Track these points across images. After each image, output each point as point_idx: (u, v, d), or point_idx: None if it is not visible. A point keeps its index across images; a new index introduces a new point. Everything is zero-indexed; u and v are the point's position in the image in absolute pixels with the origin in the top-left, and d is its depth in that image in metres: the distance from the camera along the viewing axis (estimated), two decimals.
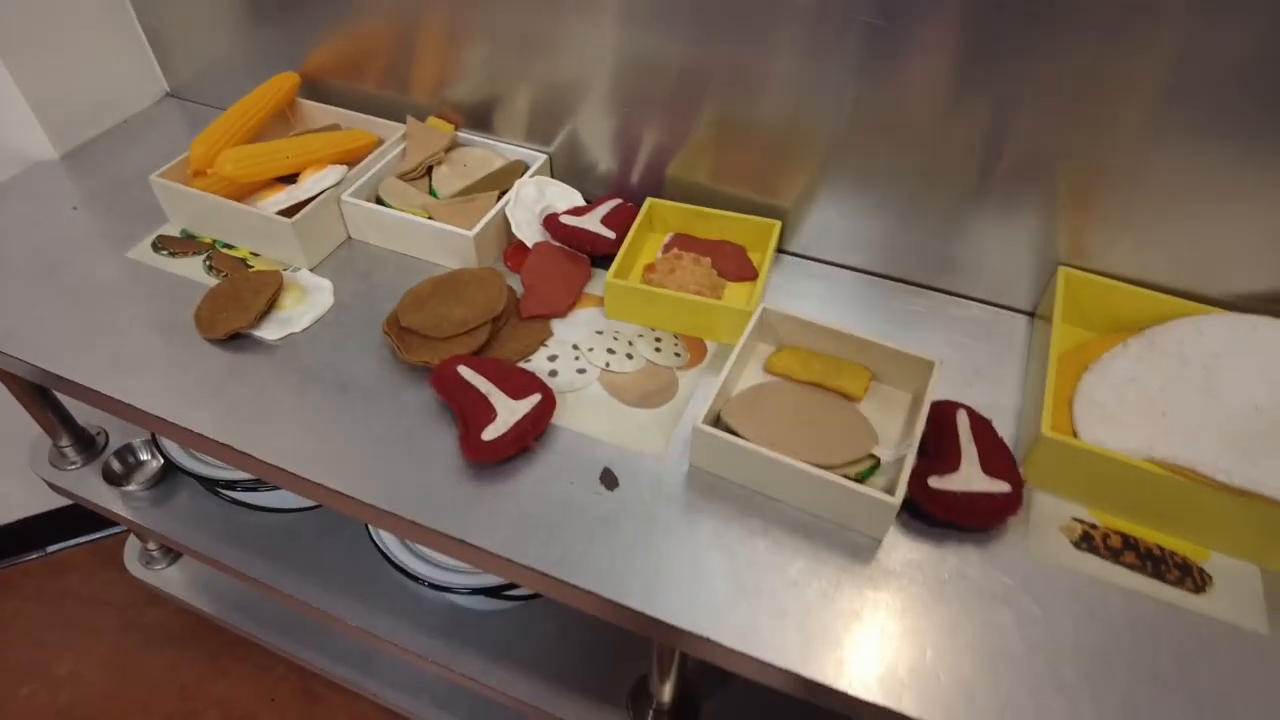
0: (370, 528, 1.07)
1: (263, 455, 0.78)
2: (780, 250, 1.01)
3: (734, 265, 0.94)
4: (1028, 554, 0.72)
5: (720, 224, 0.97)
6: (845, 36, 0.81)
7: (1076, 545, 0.72)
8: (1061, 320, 0.85)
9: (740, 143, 0.95)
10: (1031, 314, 0.93)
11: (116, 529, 1.74)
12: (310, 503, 1.16)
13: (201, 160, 1.01)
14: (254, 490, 1.15)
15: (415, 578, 1.02)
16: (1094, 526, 0.73)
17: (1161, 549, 0.72)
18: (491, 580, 1.01)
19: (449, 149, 1.06)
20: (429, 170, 1.05)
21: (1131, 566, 0.71)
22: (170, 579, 1.47)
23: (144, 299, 0.94)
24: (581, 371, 0.85)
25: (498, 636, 1.04)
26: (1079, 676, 0.64)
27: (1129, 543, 0.72)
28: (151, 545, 1.48)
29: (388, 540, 1.06)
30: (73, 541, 1.75)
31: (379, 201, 1.02)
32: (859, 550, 0.71)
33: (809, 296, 0.96)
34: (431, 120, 1.09)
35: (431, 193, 1.03)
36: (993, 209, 0.88)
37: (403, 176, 1.03)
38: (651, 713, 0.95)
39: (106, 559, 1.71)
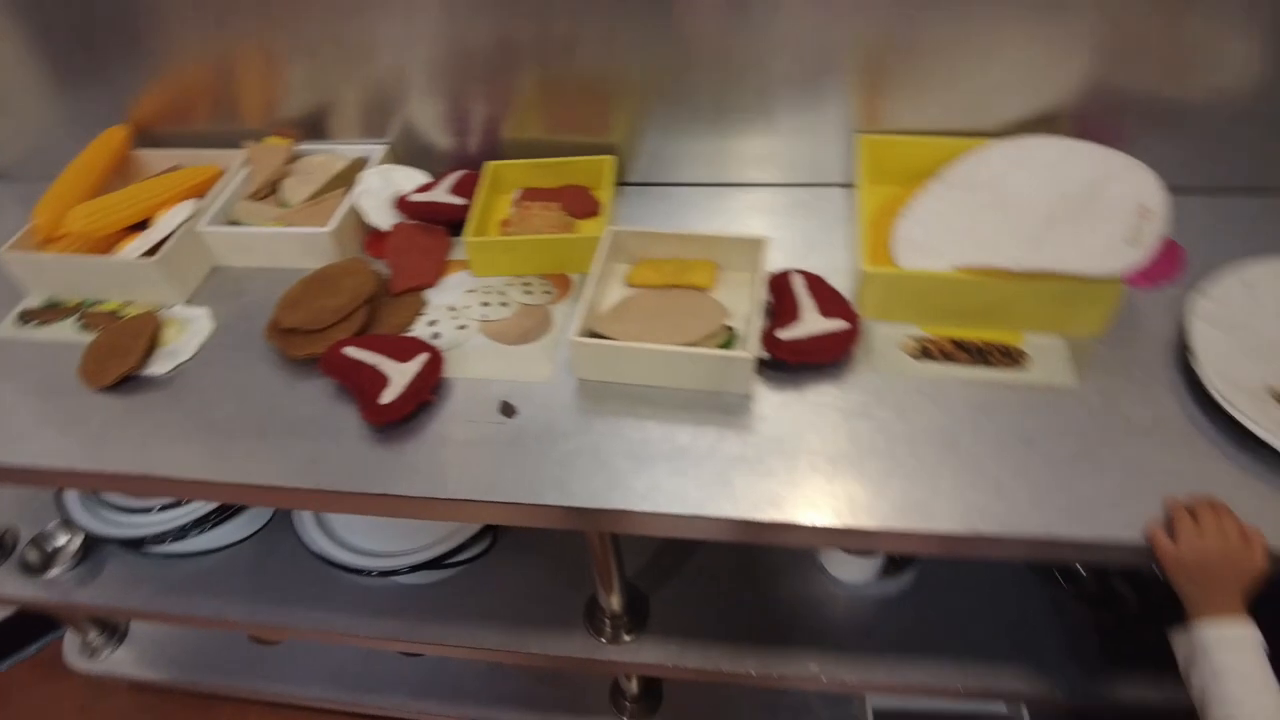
0: (305, 539, 1.11)
1: (185, 474, 0.82)
2: (623, 184, 1.11)
3: (581, 204, 1.03)
4: (877, 373, 0.83)
5: (560, 171, 1.06)
6: None
7: (915, 357, 0.84)
8: (869, 181, 0.97)
9: (563, 96, 1.04)
10: (848, 185, 1.05)
11: (50, 636, 1.71)
12: (240, 535, 1.20)
13: (48, 225, 1.03)
14: (181, 539, 1.17)
15: (357, 570, 1.08)
16: (927, 339, 0.86)
17: (984, 342, 0.85)
18: (429, 553, 1.08)
19: (290, 161, 1.12)
20: (276, 186, 1.10)
21: (963, 362, 0.83)
22: (119, 662, 1.47)
23: (23, 370, 0.96)
24: (462, 328, 0.93)
25: (451, 602, 1.10)
26: (936, 453, 0.76)
27: (958, 345, 0.85)
28: (91, 634, 1.47)
29: (324, 545, 1.10)
30: (7, 662, 1.71)
31: (235, 225, 1.06)
32: (734, 408, 0.82)
33: (656, 216, 1.05)
34: (269, 140, 1.14)
35: (284, 205, 1.08)
36: (795, 102, 1.00)
37: (252, 197, 1.08)
38: (609, 622, 1.03)
39: (47, 669, 1.68)
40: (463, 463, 0.80)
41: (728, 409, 0.82)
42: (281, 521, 1.19)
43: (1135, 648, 0.99)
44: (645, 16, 0.95)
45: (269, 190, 1.10)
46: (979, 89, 0.97)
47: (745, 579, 1.10)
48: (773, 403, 0.82)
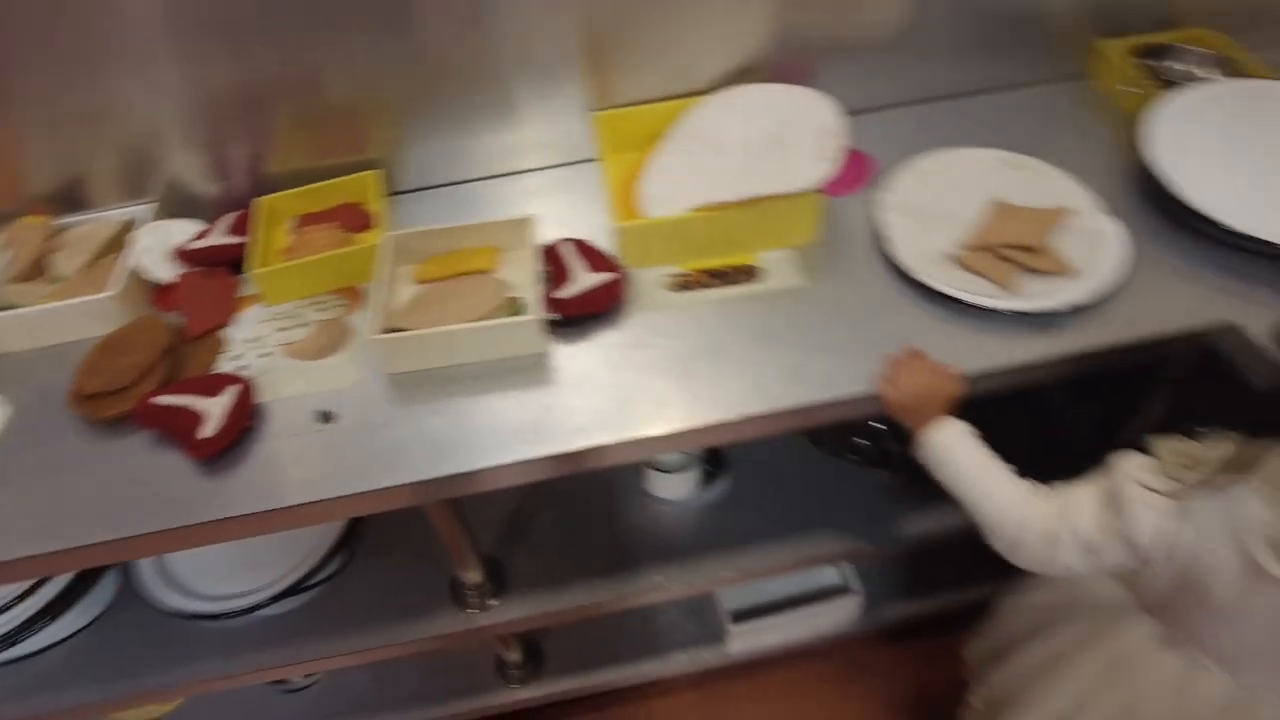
0: (156, 600, 1.13)
1: (13, 556, 0.83)
2: (399, 193, 1.19)
3: (357, 219, 1.11)
4: (646, 311, 0.97)
5: (329, 193, 1.12)
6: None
7: (675, 291, 0.99)
8: (610, 152, 1.11)
9: (319, 122, 1.11)
10: (595, 159, 1.19)
11: None
12: (83, 622, 1.18)
13: None
14: (11, 644, 1.13)
15: (218, 615, 1.11)
16: (682, 274, 1.00)
17: (727, 267, 1.01)
18: (288, 580, 1.13)
19: (53, 237, 1.11)
20: (42, 264, 1.09)
21: (714, 286, 0.99)
22: None
23: None
24: (266, 355, 0.98)
25: (321, 620, 1.15)
26: (707, 362, 0.91)
27: (707, 273, 1.00)
28: None
29: (178, 601, 1.12)
30: None
31: (8, 309, 1.05)
32: (533, 366, 0.93)
33: (437, 216, 1.14)
34: (23, 220, 1.12)
35: (56, 280, 1.08)
36: (535, 93, 1.12)
37: (18, 279, 1.07)
38: (473, 594, 1.12)
39: None
40: (295, 473, 0.86)
41: (528, 369, 0.93)
42: (126, 597, 1.18)
43: (914, 491, 1.20)
44: (380, 34, 1.03)
45: (35, 270, 1.09)
46: (687, 55, 1.13)
47: (585, 522, 1.22)
48: (566, 354, 0.94)
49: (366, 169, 1.14)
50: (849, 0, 1.13)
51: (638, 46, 1.11)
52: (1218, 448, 0.69)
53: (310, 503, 0.84)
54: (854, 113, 1.17)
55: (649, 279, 1.01)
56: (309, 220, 1.11)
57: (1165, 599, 0.78)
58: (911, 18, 1.15)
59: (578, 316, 0.95)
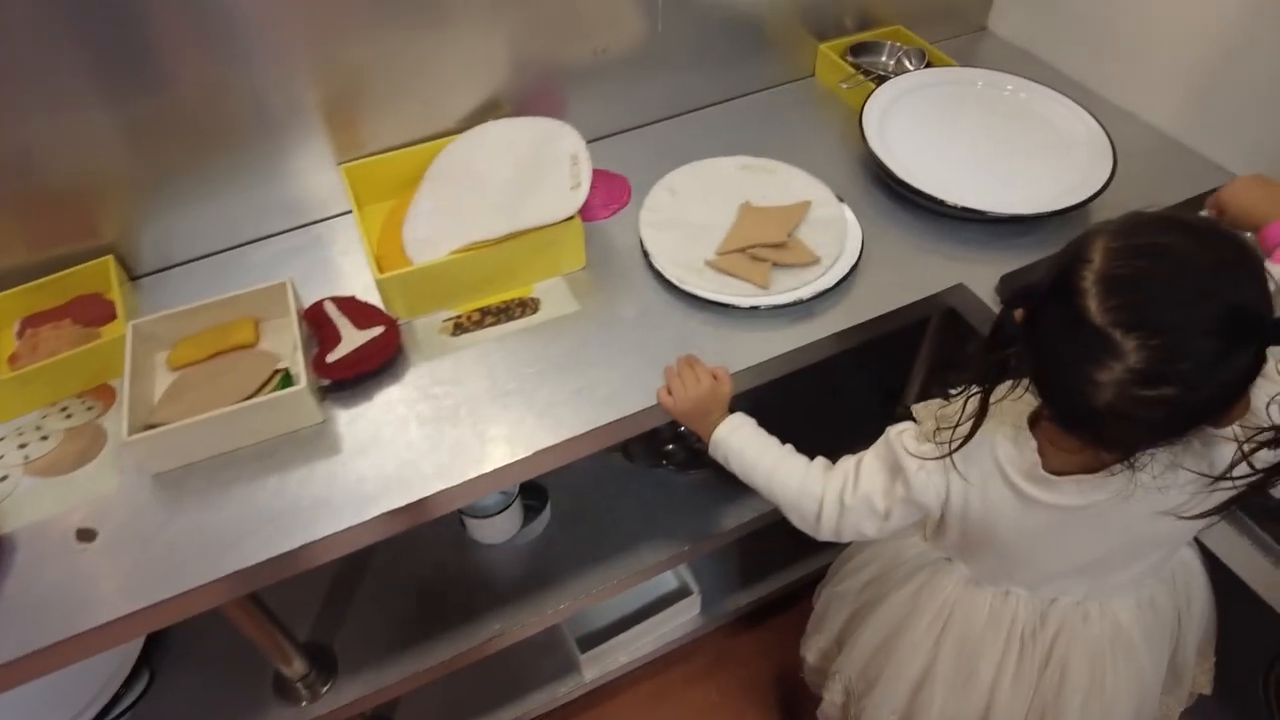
0: None
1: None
2: (141, 276, 1.11)
3: (96, 312, 1.02)
4: (427, 359, 0.97)
5: (58, 287, 1.03)
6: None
7: (453, 334, 0.99)
8: (366, 202, 1.10)
9: (37, 210, 1.01)
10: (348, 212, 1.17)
11: None
12: None
13: None
14: None
15: None
16: (457, 316, 1.01)
17: (503, 303, 1.02)
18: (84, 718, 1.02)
19: None
20: None
21: (491, 324, 1.00)
22: None
23: None
24: (3, 478, 0.89)
25: None
26: (498, 403, 0.92)
27: (483, 311, 1.01)
28: None
29: None
30: None
31: None
32: (313, 440, 0.90)
33: (187, 295, 1.07)
34: None
35: None
36: (278, 151, 1.08)
37: None
38: (300, 685, 1.07)
39: None
40: (60, 604, 0.79)
41: (308, 441, 0.90)
42: None
43: (728, 483, 1.27)
44: (95, 105, 0.95)
45: None
46: (430, 97, 1.13)
47: (407, 586, 1.20)
48: (347, 419, 0.92)
49: (101, 254, 1.06)
50: (584, 27, 1.18)
51: (379, 93, 1.10)
52: (964, 401, 0.78)
53: (76, 636, 0.77)
54: (603, 137, 1.23)
55: (425, 326, 1.00)
56: (37, 320, 1.02)
57: (963, 544, 0.87)
58: (646, 39, 1.22)
59: (353, 377, 0.93)
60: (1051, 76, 1.38)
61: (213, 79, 0.99)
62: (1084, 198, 1.07)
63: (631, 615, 1.48)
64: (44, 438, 0.92)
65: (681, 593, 1.49)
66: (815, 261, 1.03)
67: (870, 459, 0.85)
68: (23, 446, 0.92)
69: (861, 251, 1.05)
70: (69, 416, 0.95)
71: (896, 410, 1.37)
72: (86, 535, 0.84)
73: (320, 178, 1.13)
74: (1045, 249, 1.07)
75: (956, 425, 0.75)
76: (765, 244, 1.04)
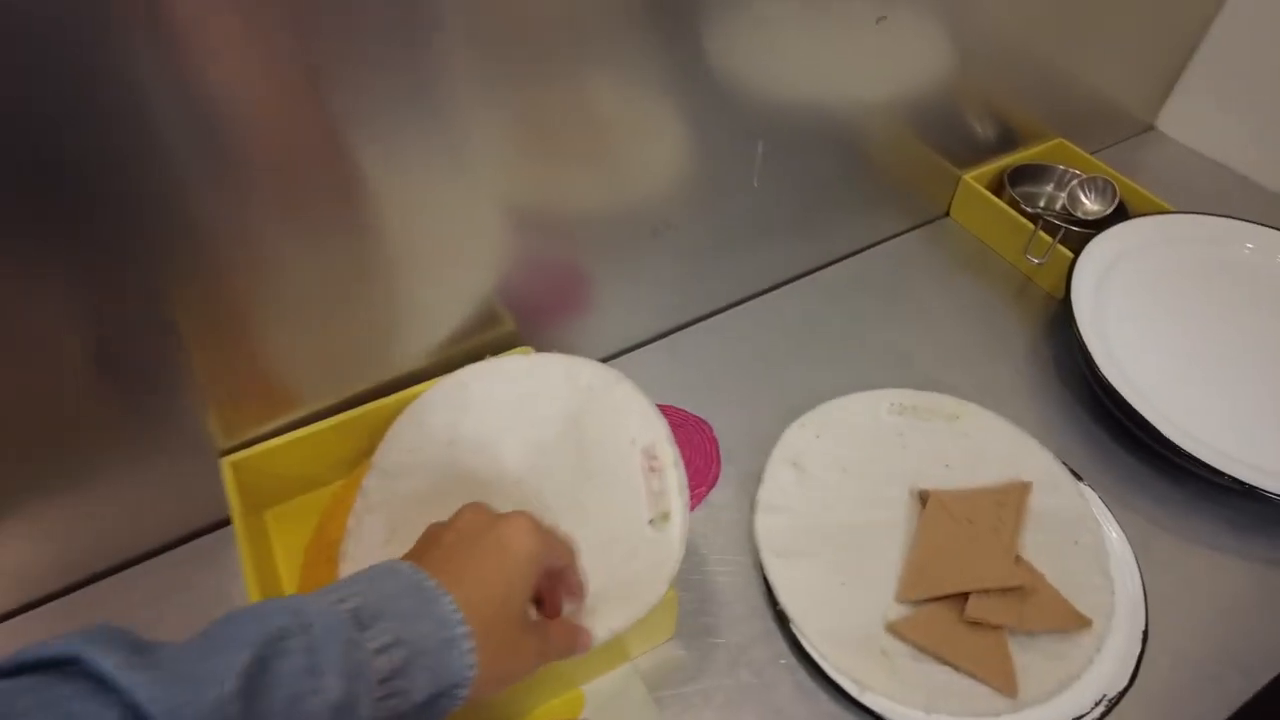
0: None
1: None
2: None
3: None
4: None
5: None
6: None
7: None
8: (251, 509, 0.63)
9: None
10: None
11: None
12: None
13: None
14: None
15: None
16: None
17: None
18: None
19: None
20: None
21: None
22: None
23: None
24: None
25: None
26: None
27: None
28: None
29: None
30: None
31: None
32: None
33: None
34: None
35: None
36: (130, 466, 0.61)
37: None
38: None
39: None
40: None
41: None
42: None
43: None
44: None
45: None
46: (357, 341, 0.67)
47: None
48: None
49: None
50: (638, 193, 0.72)
51: (290, 368, 0.64)
52: None
53: None
54: (642, 344, 0.80)
55: None
56: None
57: None
58: (731, 203, 0.77)
59: None
60: (1263, 200, 1.00)
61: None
62: None
63: None
64: None
65: None
66: (1083, 624, 0.60)
67: None
68: None
69: (1145, 589, 0.63)
70: None
71: None
72: None
73: (185, 486, 0.65)
74: None
75: None
76: (987, 588, 0.61)
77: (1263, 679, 0.61)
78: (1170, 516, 0.70)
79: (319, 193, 0.55)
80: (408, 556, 0.45)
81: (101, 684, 0.30)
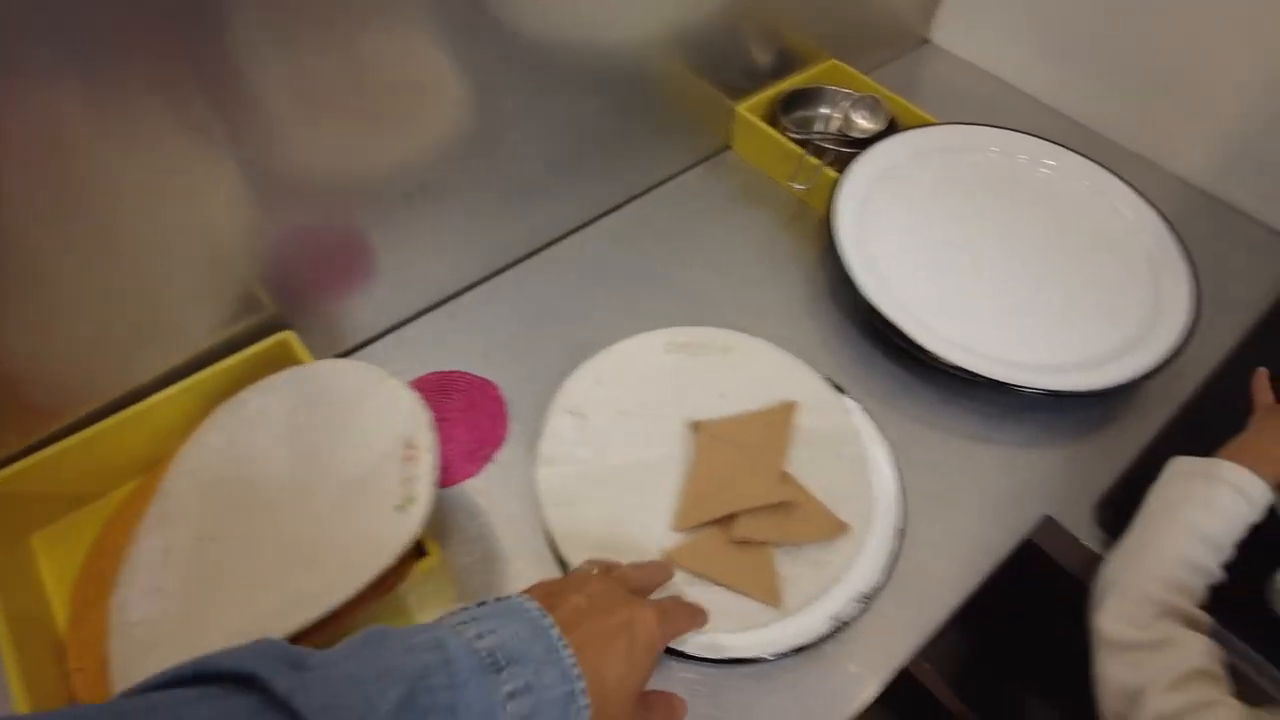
0: None
1: None
2: None
3: None
4: None
5: None
6: None
7: None
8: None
9: None
10: None
11: None
12: None
13: None
14: None
15: None
16: None
17: None
18: None
19: None
20: None
21: None
22: None
23: None
24: None
25: None
26: None
27: None
28: None
29: None
30: None
31: None
32: None
33: None
34: None
35: None
36: None
37: None
38: None
39: None
40: None
41: None
42: None
43: None
44: None
45: None
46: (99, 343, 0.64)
47: None
48: None
49: None
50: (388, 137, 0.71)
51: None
52: None
53: None
54: (436, 305, 0.81)
55: None
56: None
57: None
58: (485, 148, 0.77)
59: None
60: (1032, 109, 1.06)
61: None
62: (1180, 333, 0.75)
63: None
64: None
65: None
66: (842, 531, 0.65)
67: None
68: None
69: (903, 490, 0.69)
70: None
71: None
72: None
73: None
74: (1138, 422, 0.76)
75: None
76: (754, 507, 0.65)
77: (1002, 553, 0.67)
78: (931, 415, 0.76)
79: (44, 182, 0.53)
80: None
81: (273, 700, 0.32)
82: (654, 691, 0.49)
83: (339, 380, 0.64)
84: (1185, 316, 0.77)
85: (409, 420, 0.60)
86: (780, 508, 0.65)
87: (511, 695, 0.37)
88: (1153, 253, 0.83)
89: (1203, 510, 0.59)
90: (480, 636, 0.38)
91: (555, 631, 0.41)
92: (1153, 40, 0.93)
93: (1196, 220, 0.89)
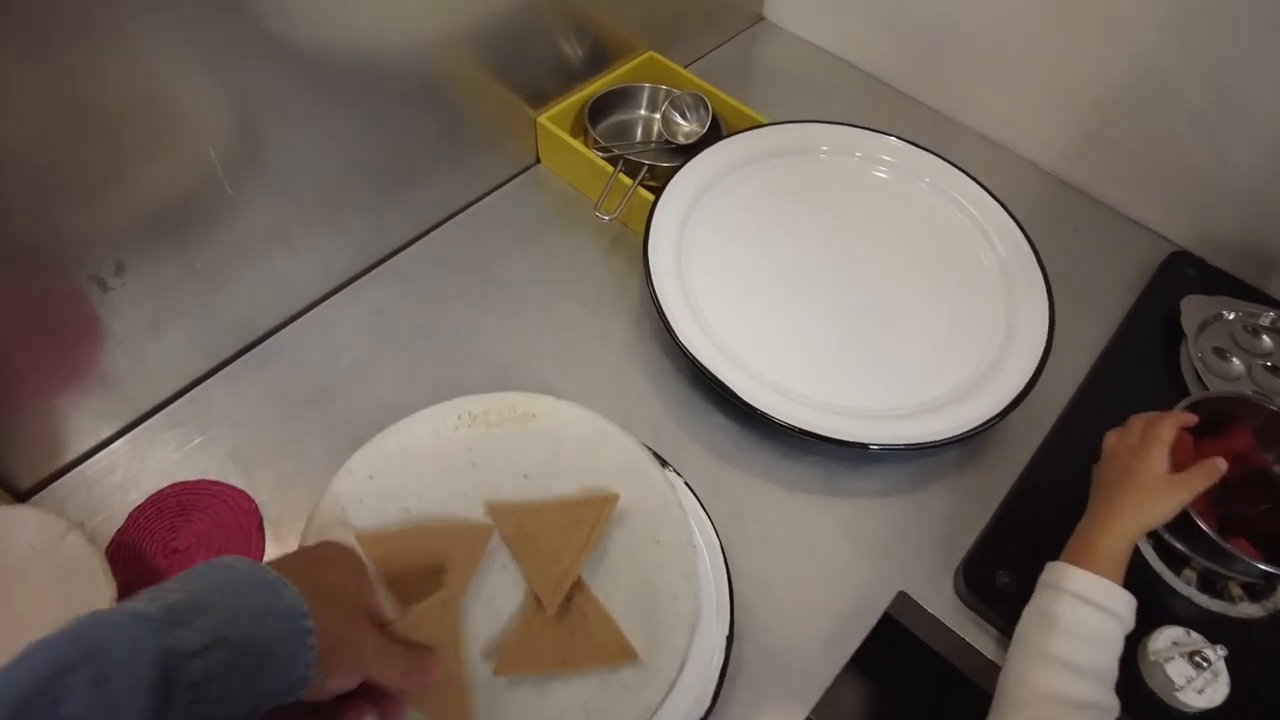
0: None
1: None
2: None
3: None
4: None
5: None
6: None
7: None
8: None
9: None
10: None
11: None
12: None
13: None
14: None
15: None
16: None
17: None
18: None
19: None
20: None
21: None
22: None
23: None
24: None
25: None
26: None
27: None
28: None
29: None
30: None
31: None
32: None
33: None
34: None
35: None
36: None
37: None
38: None
39: None
40: None
41: None
42: None
43: None
44: None
45: None
46: None
47: None
48: None
49: None
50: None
51: None
52: None
53: None
54: (171, 399, 0.68)
55: None
56: None
57: None
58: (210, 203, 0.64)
59: None
60: (871, 90, 0.98)
61: None
62: (1035, 360, 0.68)
63: None
64: None
65: None
66: (631, 660, 0.56)
67: None
68: None
69: (730, 587, 0.60)
70: None
71: None
72: None
73: None
74: (1000, 459, 0.69)
75: None
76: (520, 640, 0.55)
77: (856, 640, 0.60)
78: (770, 470, 0.67)
79: None
80: None
81: None
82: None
83: (14, 530, 0.51)
84: (1041, 338, 0.70)
85: (89, 583, 0.47)
86: (564, 624, 0.56)
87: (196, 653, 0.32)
88: (1004, 259, 0.76)
89: (1076, 643, 0.52)
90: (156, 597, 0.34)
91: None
92: (992, 10, 0.86)
93: (1049, 211, 0.83)
